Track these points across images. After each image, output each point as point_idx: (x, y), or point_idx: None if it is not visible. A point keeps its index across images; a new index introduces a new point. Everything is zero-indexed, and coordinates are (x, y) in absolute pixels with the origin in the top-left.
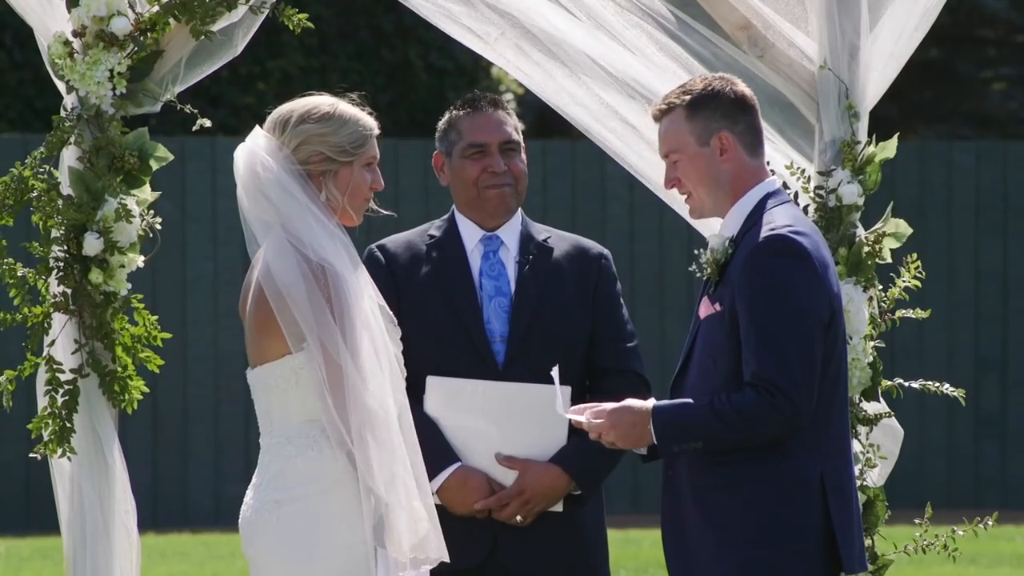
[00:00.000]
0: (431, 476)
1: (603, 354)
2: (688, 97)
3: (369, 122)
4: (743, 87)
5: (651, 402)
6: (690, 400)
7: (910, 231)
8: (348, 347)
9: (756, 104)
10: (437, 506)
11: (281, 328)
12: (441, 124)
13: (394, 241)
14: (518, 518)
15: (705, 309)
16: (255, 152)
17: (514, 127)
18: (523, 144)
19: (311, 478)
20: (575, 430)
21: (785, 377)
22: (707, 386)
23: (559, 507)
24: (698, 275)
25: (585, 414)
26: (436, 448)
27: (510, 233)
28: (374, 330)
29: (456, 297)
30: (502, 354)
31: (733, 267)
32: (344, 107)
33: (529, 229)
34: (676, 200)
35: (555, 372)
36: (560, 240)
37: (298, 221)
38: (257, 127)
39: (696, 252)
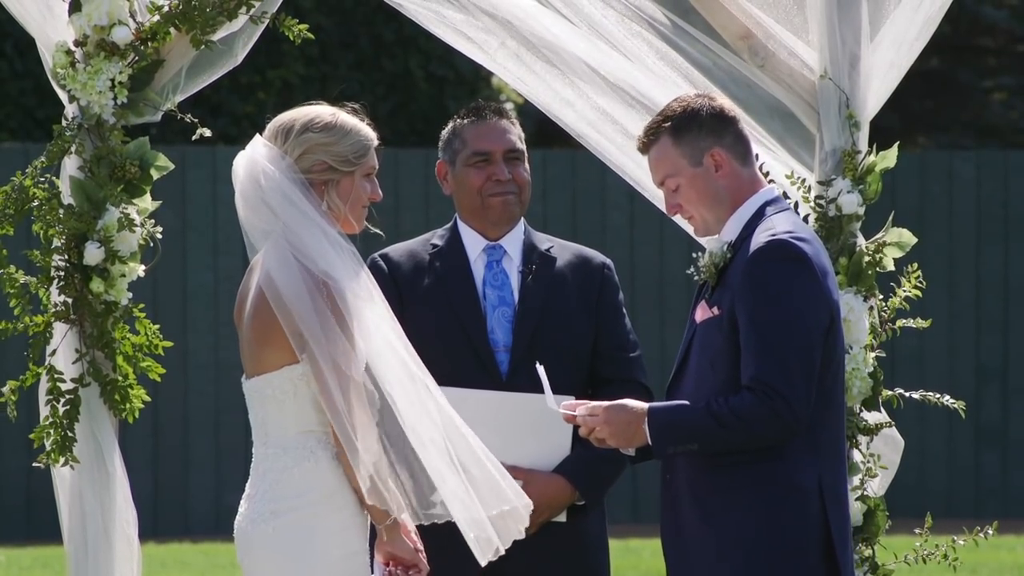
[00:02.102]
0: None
1: (606, 364)
2: (670, 123)
3: (369, 132)
4: (721, 100)
5: (647, 403)
6: (687, 402)
7: (914, 240)
8: (356, 358)
9: (736, 114)
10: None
11: (280, 338)
12: (445, 133)
13: (397, 250)
14: None
15: (702, 313)
16: (256, 160)
17: (518, 136)
18: (527, 153)
19: (307, 488)
20: (578, 440)
21: (784, 381)
22: (704, 390)
23: (562, 517)
24: (696, 278)
25: (579, 409)
26: None
27: (513, 243)
28: (390, 336)
29: (460, 307)
30: (506, 364)
31: (732, 271)
32: (345, 117)
33: (532, 238)
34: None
35: (540, 369)
36: (563, 250)
37: (300, 230)
38: (257, 136)
39: (694, 255)
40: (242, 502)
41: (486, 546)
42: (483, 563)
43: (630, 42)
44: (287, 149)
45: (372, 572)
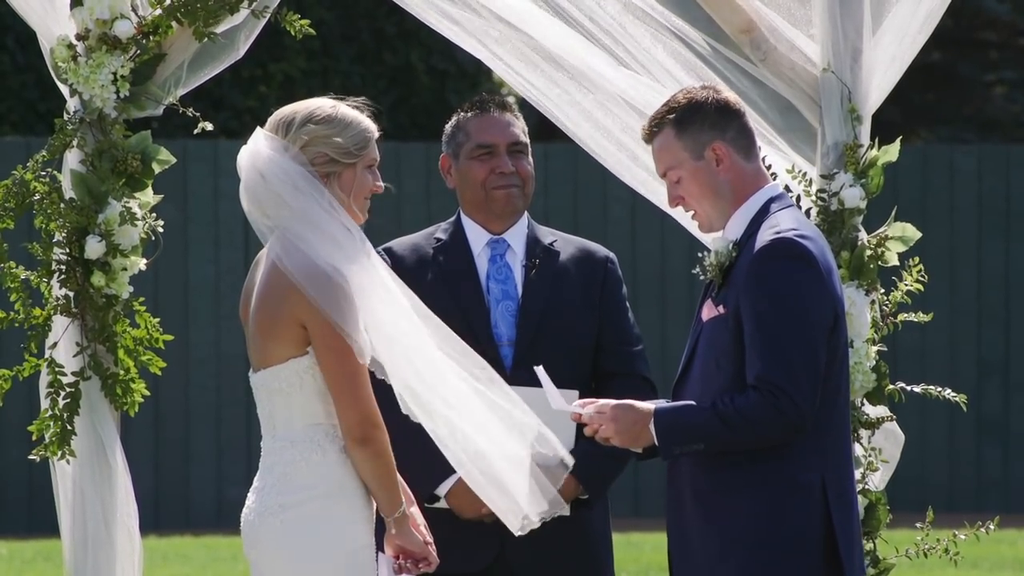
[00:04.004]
0: (439, 480)
1: (609, 358)
2: (674, 114)
3: (370, 124)
4: (727, 93)
5: (654, 403)
6: (692, 402)
7: (918, 235)
8: (368, 345)
9: (742, 108)
10: (445, 510)
11: (286, 331)
12: (448, 126)
13: (400, 244)
14: None
15: (708, 312)
16: (259, 152)
17: (521, 129)
18: (530, 146)
19: (315, 482)
20: (582, 434)
21: (789, 380)
22: (710, 389)
23: (566, 510)
24: (701, 278)
25: (586, 408)
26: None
27: (516, 236)
28: (400, 323)
29: (464, 301)
30: (509, 358)
31: (737, 270)
32: (345, 109)
33: (535, 232)
34: (676, 211)
35: (540, 370)
36: (566, 243)
37: (310, 217)
38: (259, 129)
39: (700, 255)
40: (250, 494)
41: (516, 515)
42: (516, 533)
43: (629, 32)
44: (289, 142)
45: (378, 565)
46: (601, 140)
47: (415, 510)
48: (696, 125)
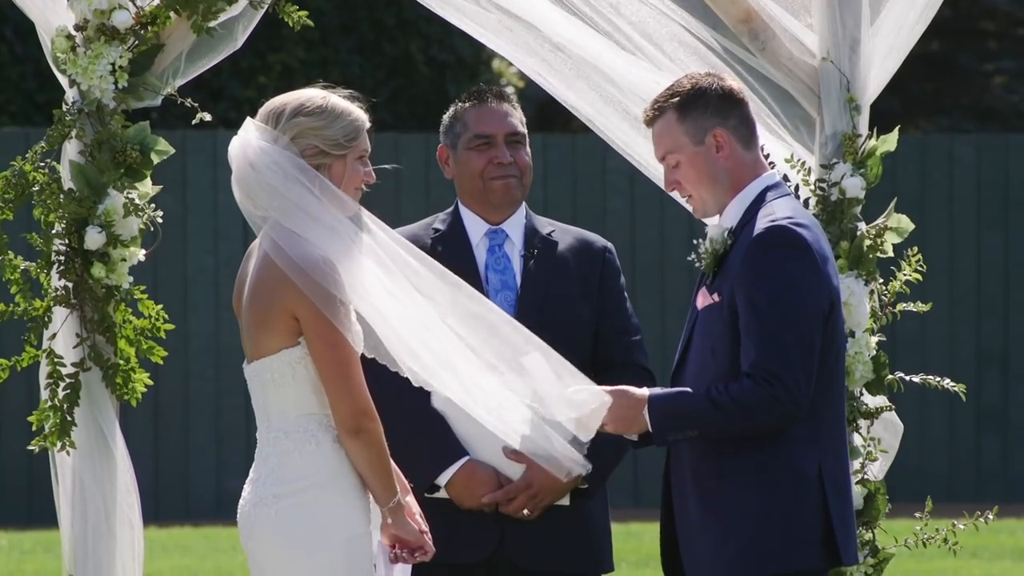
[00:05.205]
0: (439, 470)
1: (608, 348)
2: (677, 98)
3: (361, 115)
4: (731, 82)
5: (648, 389)
6: (688, 389)
7: (912, 227)
8: (359, 335)
9: (745, 97)
10: (444, 500)
11: (278, 322)
12: (446, 117)
13: (398, 234)
14: (525, 512)
15: (703, 299)
16: (251, 142)
17: (519, 120)
18: (528, 137)
19: (309, 472)
20: None
21: (783, 367)
22: (707, 376)
23: (566, 501)
24: (696, 264)
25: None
26: (443, 442)
27: (515, 227)
28: (390, 314)
29: None
30: None
31: (732, 258)
32: (335, 100)
33: (533, 223)
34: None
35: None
36: (564, 234)
37: (303, 205)
38: (249, 119)
39: (695, 242)
40: (246, 486)
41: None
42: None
43: (630, 20)
44: (279, 132)
45: (376, 553)
46: (608, 124)
47: (410, 499)
48: (699, 110)
